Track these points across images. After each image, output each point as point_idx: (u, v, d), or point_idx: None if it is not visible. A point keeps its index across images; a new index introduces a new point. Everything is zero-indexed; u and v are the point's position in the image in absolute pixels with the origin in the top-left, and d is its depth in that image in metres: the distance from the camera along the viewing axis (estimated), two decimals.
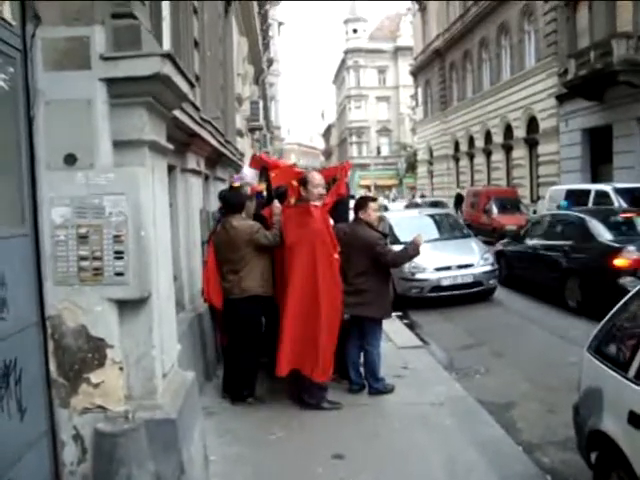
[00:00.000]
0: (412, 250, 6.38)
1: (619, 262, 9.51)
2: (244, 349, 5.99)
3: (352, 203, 7.32)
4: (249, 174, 7.24)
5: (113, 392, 3.40)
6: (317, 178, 6.15)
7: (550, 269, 11.45)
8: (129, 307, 3.44)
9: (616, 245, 9.88)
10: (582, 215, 11.33)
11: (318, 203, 5.94)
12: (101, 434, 3.29)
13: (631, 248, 9.56)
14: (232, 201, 6.18)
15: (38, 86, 3.22)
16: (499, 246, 14.50)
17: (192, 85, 4.04)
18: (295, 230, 5.85)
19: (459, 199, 28.50)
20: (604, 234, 10.37)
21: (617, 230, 10.61)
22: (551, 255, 11.50)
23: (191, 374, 4.28)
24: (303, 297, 5.77)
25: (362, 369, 6.53)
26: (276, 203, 6.10)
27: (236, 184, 6.90)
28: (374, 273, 6.30)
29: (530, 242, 12.84)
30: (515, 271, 13.28)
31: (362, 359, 6.55)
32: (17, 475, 2.93)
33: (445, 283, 11.46)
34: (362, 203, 6.55)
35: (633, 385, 3.59)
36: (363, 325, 6.40)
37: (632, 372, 3.64)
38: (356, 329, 6.45)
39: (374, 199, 6.97)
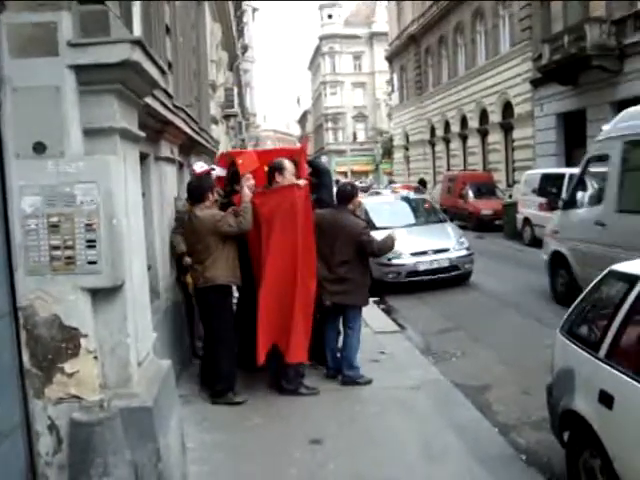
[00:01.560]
0: (390, 241, 6.44)
1: None
2: (217, 341, 5.89)
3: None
4: (217, 169, 7.09)
5: (88, 381, 3.38)
6: (289, 165, 6.14)
7: None
8: (102, 296, 3.42)
9: None
10: None
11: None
12: (76, 424, 3.27)
13: None
14: (195, 190, 6.12)
15: (4, 73, 3.16)
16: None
17: (163, 72, 4.00)
18: (274, 211, 5.82)
19: (422, 184, 28.88)
20: None
21: None
22: None
23: (167, 362, 4.27)
24: (279, 278, 5.80)
25: (339, 355, 6.54)
26: (245, 190, 5.94)
27: (198, 171, 6.74)
28: (357, 261, 6.30)
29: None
30: None
31: (340, 345, 6.57)
32: None
33: (422, 268, 11.54)
34: (349, 193, 6.51)
35: (603, 365, 3.66)
36: (344, 312, 6.41)
37: (602, 352, 3.72)
38: (334, 315, 6.48)
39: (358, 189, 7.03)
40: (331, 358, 6.54)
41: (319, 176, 6.74)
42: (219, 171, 6.93)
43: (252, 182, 5.96)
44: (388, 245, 6.49)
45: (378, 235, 6.75)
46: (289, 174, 6.00)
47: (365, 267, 6.51)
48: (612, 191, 8.31)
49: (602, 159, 8.88)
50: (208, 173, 6.68)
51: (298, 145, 7.79)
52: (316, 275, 6.06)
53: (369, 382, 6.31)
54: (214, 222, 5.73)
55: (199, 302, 6.13)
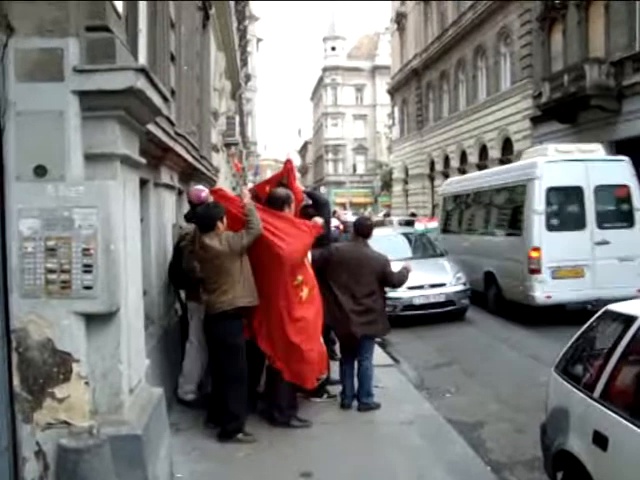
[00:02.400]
0: (406, 273, 6.64)
1: None
2: (228, 378, 5.58)
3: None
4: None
5: (78, 407, 3.36)
6: (284, 193, 6.17)
7: None
8: (97, 321, 3.41)
9: None
10: None
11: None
12: (64, 449, 3.24)
13: None
14: (204, 219, 5.65)
15: (9, 97, 3.19)
16: None
17: (166, 100, 4.04)
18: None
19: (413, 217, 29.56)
20: None
21: None
22: None
23: (159, 390, 4.25)
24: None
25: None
26: (245, 190, 5.95)
27: (203, 196, 6.50)
28: (380, 292, 6.51)
29: None
30: None
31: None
32: None
33: (417, 302, 11.50)
34: (370, 227, 6.82)
35: (598, 405, 3.63)
36: (361, 342, 6.49)
37: (597, 392, 3.69)
38: (352, 346, 6.57)
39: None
40: (350, 388, 6.56)
41: (318, 207, 6.75)
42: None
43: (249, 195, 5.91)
44: (404, 276, 6.67)
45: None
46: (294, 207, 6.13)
47: (384, 297, 6.70)
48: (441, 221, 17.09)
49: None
50: (217, 201, 6.47)
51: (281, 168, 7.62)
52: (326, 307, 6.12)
53: (378, 407, 6.45)
54: (228, 245, 5.41)
55: (209, 334, 5.74)
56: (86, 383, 3.38)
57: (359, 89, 72.48)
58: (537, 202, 10.87)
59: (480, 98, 31.08)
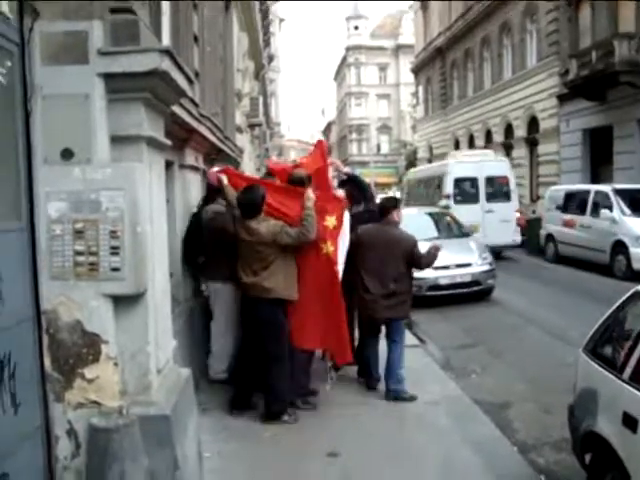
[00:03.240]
0: (433, 256, 6.37)
1: None
2: (272, 359, 5.54)
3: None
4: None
5: (107, 387, 3.39)
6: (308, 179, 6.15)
7: None
8: (125, 303, 3.43)
9: None
10: None
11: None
12: (95, 429, 3.28)
13: None
14: (249, 205, 5.56)
15: (35, 80, 3.20)
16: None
17: (191, 81, 4.03)
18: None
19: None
20: None
21: None
22: None
23: (186, 370, 4.28)
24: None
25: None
26: (309, 193, 5.68)
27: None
28: (408, 274, 6.35)
29: None
30: None
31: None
32: (11, 469, 2.92)
33: (443, 282, 11.47)
34: (396, 204, 6.60)
35: (628, 387, 3.59)
36: (390, 325, 6.40)
37: (627, 374, 3.65)
38: (378, 329, 6.56)
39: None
40: (375, 372, 6.54)
41: (360, 191, 6.72)
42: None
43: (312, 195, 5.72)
44: (433, 257, 6.42)
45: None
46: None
47: (411, 279, 6.50)
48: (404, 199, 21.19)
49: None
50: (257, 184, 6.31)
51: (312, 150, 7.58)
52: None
53: (414, 398, 6.19)
54: (273, 233, 5.42)
55: (249, 315, 5.68)
56: (115, 364, 3.41)
57: (382, 68, 71.85)
58: (448, 187, 17.80)
59: (505, 76, 30.64)
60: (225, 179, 5.96)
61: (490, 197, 17.71)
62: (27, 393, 3.16)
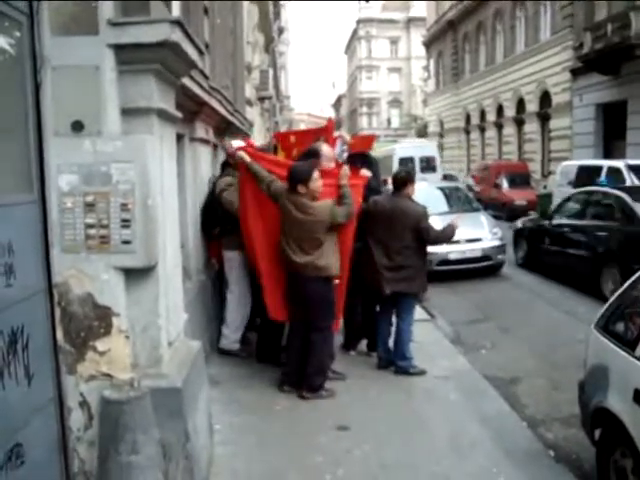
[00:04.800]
0: (450, 230, 6.26)
1: None
2: (320, 333, 5.58)
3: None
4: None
5: (119, 360, 3.41)
6: (328, 151, 6.04)
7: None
8: (135, 276, 3.43)
9: None
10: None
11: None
12: (107, 401, 3.31)
13: None
14: (297, 173, 5.43)
15: (45, 51, 3.16)
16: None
17: (201, 53, 3.99)
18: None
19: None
20: None
21: None
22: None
23: (197, 343, 4.29)
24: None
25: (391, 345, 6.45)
26: (345, 169, 5.67)
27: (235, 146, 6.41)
28: (416, 247, 6.14)
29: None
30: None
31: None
32: (25, 439, 2.95)
33: (453, 257, 11.44)
34: (409, 178, 6.37)
35: (639, 363, 3.58)
36: (398, 300, 6.29)
37: (639, 351, 3.63)
38: (389, 305, 6.42)
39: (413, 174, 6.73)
40: (383, 349, 6.44)
41: (369, 166, 6.67)
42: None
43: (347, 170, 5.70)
44: (447, 234, 6.30)
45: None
46: (326, 160, 5.89)
47: (423, 254, 6.30)
48: None
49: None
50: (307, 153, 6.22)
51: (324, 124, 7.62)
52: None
53: (423, 373, 6.19)
54: (331, 214, 5.36)
55: (301, 292, 5.57)
56: (126, 337, 3.42)
57: (394, 42, 71.17)
58: (395, 164, 22.58)
59: (518, 50, 30.28)
60: (246, 157, 5.81)
61: (423, 169, 23.77)
62: (40, 365, 3.17)
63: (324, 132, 6.83)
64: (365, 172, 6.10)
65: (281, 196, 5.50)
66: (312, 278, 5.43)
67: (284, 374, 5.80)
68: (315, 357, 5.58)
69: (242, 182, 5.93)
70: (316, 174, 5.41)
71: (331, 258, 5.47)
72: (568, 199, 12.31)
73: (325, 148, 6.08)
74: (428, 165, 24.67)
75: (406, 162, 23.42)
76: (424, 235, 6.09)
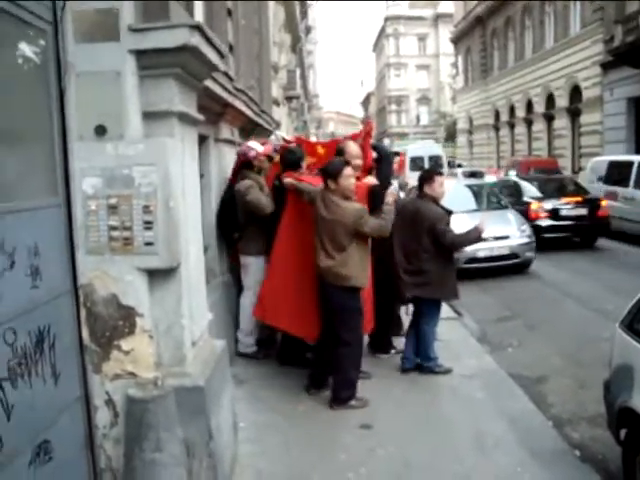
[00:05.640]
0: (474, 234, 6.06)
1: None
2: (345, 344, 5.33)
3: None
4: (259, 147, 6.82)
5: (143, 359, 3.47)
6: (354, 148, 5.95)
7: None
8: (159, 277, 3.49)
9: None
10: None
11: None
12: (132, 400, 3.38)
13: None
14: (329, 169, 5.30)
15: (69, 58, 3.24)
16: None
17: (222, 55, 4.03)
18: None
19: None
20: None
21: None
22: None
23: (222, 342, 4.35)
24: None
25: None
26: (392, 189, 5.54)
27: (259, 150, 6.42)
28: (436, 252, 5.96)
29: None
30: None
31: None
32: (53, 437, 3.02)
33: (481, 254, 11.35)
34: (427, 176, 6.19)
35: None
36: (420, 304, 6.21)
37: None
38: (414, 308, 6.35)
39: (440, 173, 6.49)
40: (408, 351, 6.31)
41: (380, 159, 6.56)
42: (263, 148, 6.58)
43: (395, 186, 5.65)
44: (470, 237, 6.08)
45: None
46: (351, 158, 5.71)
47: (446, 258, 6.07)
48: None
49: None
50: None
51: (362, 128, 7.51)
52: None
53: (448, 371, 6.14)
54: (357, 217, 5.15)
55: (324, 300, 5.43)
56: (150, 336, 3.48)
57: (422, 38, 70.82)
58: (407, 162, 25.55)
59: (547, 45, 29.96)
60: (294, 181, 5.81)
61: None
62: (66, 365, 3.25)
63: (360, 136, 6.56)
64: (371, 179, 5.97)
65: (316, 198, 5.39)
66: (335, 287, 5.22)
67: (310, 377, 5.75)
68: (340, 371, 5.41)
69: (290, 206, 5.85)
70: (348, 171, 5.25)
71: (356, 268, 5.21)
72: None
73: (351, 145, 6.00)
74: (436, 163, 26.85)
75: (417, 160, 26.50)
76: (440, 239, 5.90)
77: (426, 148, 29.44)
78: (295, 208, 5.82)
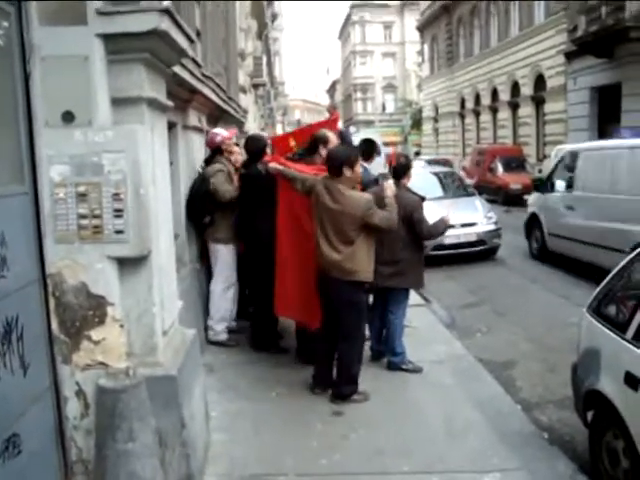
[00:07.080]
0: (441, 225, 5.99)
1: None
2: (348, 339, 5.22)
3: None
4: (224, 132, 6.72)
5: (114, 349, 3.43)
6: (334, 138, 5.86)
7: None
8: (129, 265, 3.44)
9: None
10: None
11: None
12: (103, 390, 3.33)
13: None
14: (345, 156, 5.09)
15: (34, 41, 3.15)
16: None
17: (191, 41, 3.98)
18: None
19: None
20: None
21: None
22: None
23: (192, 331, 4.31)
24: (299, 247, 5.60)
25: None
26: (390, 182, 5.42)
27: (226, 135, 6.50)
28: (410, 241, 5.87)
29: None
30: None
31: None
32: (22, 429, 2.97)
33: (448, 241, 11.43)
34: (403, 167, 6.08)
35: (630, 346, 3.62)
36: (389, 294, 6.06)
37: (630, 333, 3.67)
38: (382, 297, 6.18)
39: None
40: (375, 341, 6.28)
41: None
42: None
43: (391, 182, 5.49)
44: (439, 229, 6.03)
45: None
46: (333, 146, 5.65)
47: (419, 247, 6.01)
48: None
49: None
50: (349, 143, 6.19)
51: (328, 116, 7.53)
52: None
53: (417, 371, 5.92)
54: (364, 208, 4.95)
55: (327, 294, 5.25)
56: (121, 326, 3.44)
57: (388, 26, 70.78)
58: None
59: (512, 33, 30.21)
60: (278, 166, 5.65)
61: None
62: (35, 355, 3.19)
63: (327, 124, 6.56)
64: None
65: (315, 186, 5.15)
66: (341, 281, 5.04)
67: (314, 377, 5.52)
68: (344, 367, 5.30)
69: (280, 191, 5.70)
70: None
71: (363, 262, 5.05)
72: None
73: (332, 135, 5.92)
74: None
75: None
76: (416, 227, 5.83)
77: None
78: (286, 200, 5.66)
